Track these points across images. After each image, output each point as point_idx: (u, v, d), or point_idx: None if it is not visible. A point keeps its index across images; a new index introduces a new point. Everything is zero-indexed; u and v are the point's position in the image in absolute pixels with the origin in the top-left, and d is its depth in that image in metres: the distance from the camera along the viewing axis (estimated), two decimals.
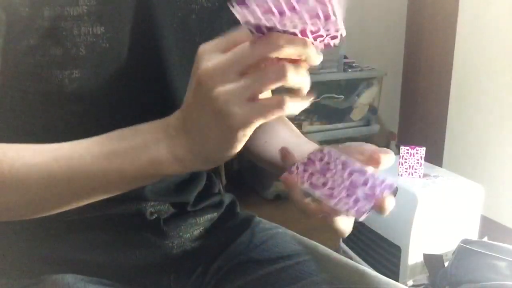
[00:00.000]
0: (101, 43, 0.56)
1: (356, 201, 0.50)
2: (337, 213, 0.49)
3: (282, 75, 0.40)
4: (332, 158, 0.54)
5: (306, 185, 0.51)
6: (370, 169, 0.53)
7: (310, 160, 0.55)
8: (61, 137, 0.57)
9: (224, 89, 0.40)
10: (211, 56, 0.41)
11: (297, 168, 0.54)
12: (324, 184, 0.51)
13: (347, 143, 0.58)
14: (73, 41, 0.54)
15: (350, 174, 0.52)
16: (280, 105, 0.40)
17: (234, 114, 0.40)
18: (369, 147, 0.56)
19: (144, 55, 0.59)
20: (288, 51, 0.40)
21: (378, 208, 0.49)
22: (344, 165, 0.53)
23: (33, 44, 0.52)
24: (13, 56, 0.53)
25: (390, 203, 0.50)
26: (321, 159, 0.55)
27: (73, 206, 0.51)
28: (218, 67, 0.40)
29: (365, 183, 0.51)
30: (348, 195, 0.50)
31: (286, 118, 0.79)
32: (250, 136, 0.69)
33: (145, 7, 0.58)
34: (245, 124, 0.40)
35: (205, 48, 0.43)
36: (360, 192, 0.50)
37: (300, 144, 0.66)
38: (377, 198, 0.50)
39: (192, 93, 0.43)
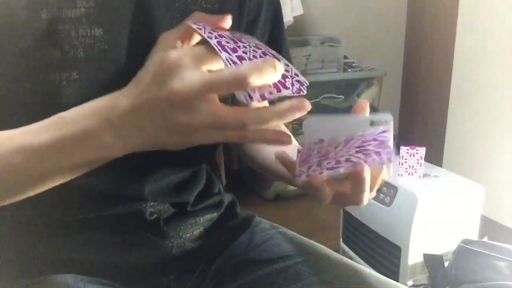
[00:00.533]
0: (99, 45, 0.56)
1: (378, 153, 0.51)
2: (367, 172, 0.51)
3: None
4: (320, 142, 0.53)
5: (326, 173, 0.51)
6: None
7: (309, 149, 0.53)
8: None
9: (192, 119, 0.42)
10: (185, 72, 0.42)
11: (301, 166, 0.52)
12: (338, 162, 0.51)
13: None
14: (71, 43, 0.54)
15: (348, 141, 0.51)
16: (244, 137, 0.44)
17: (196, 137, 0.44)
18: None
19: (143, 57, 0.59)
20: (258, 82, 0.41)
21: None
22: (336, 138, 0.52)
23: (30, 46, 0.52)
24: (11, 59, 0.53)
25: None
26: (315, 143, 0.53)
27: (39, 190, 0.51)
28: (191, 94, 0.41)
29: (364, 141, 0.51)
30: (365, 155, 0.51)
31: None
32: (241, 146, 0.69)
33: (144, 9, 0.58)
34: (206, 141, 0.45)
35: (174, 57, 0.44)
36: (371, 147, 0.51)
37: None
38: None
39: (155, 103, 0.43)
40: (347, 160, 0.51)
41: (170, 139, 0.45)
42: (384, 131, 0.51)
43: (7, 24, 0.52)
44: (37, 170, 0.49)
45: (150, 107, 0.43)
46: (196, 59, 0.43)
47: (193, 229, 0.70)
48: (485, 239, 1.64)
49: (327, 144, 0.52)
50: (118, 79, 0.58)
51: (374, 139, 0.51)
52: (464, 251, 1.42)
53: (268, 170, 0.74)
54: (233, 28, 0.68)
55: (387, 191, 1.64)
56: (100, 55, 0.56)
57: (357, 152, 0.51)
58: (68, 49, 0.54)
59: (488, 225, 1.89)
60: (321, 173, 0.51)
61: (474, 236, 1.65)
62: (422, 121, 2.65)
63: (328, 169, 0.51)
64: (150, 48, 0.59)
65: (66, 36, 0.54)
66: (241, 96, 0.43)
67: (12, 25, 0.52)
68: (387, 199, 1.63)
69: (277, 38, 0.75)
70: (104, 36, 0.56)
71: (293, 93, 0.47)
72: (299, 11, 2.25)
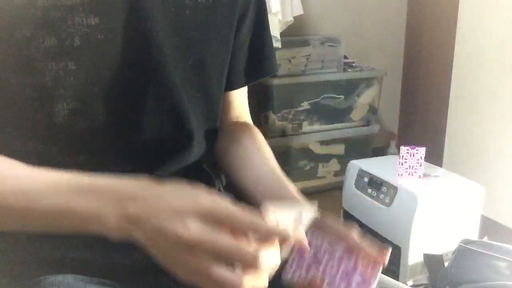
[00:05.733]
0: (96, 34, 0.56)
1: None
2: None
3: None
4: (318, 246, 0.56)
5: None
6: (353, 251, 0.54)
7: (299, 255, 0.56)
8: (56, 133, 0.57)
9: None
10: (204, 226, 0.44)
11: (291, 266, 0.56)
12: (322, 281, 0.54)
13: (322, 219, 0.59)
14: (67, 31, 0.54)
15: (339, 260, 0.54)
16: None
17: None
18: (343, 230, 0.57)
19: (137, 49, 0.59)
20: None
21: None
22: (330, 252, 0.55)
23: (27, 35, 0.52)
24: (7, 48, 0.53)
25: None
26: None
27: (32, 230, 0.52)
28: (207, 245, 0.43)
29: (355, 268, 0.53)
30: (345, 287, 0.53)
31: (261, 140, 0.77)
32: (223, 160, 0.74)
33: (139, 0, 0.58)
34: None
35: (204, 206, 0.45)
36: (354, 281, 0.53)
37: (275, 188, 0.67)
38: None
39: (169, 235, 0.45)
40: (329, 284, 0.53)
41: (160, 259, 0.49)
42: (379, 267, 0.53)
43: (3, 12, 0.52)
44: (33, 218, 0.49)
45: (157, 234, 0.46)
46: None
47: None
48: (485, 239, 1.64)
49: (325, 250, 0.55)
50: (115, 70, 0.58)
51: (363, 271, 0.53)
52: (464, 251, 1.42)
53: (245, 194, 0.74)
54: (227, 23, 0.68)
55: (387, 191, 1.64)
56: (96, 45, 0.56)
57: (341, 279, 0.53)
58: (64, 38, 0.54)
59: (488, 225, 1.89)
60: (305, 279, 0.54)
61: (474, 236, 1.66)
62: (422, 121, 2.65)
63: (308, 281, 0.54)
64: (145, 40, 0.60)
65: (61, 24, 0.54)
66: None
67: (8, 13, 0.52)
68: (387, 199, 1.63)
69: (260, 37, 0.76)
70: (100, 25, 0.56)
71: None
72: (299, 11, 2.25)
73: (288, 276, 0.56)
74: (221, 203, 0.45)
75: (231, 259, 0.43)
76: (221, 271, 0.43)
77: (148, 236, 0.46)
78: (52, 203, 0.48)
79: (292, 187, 0.65)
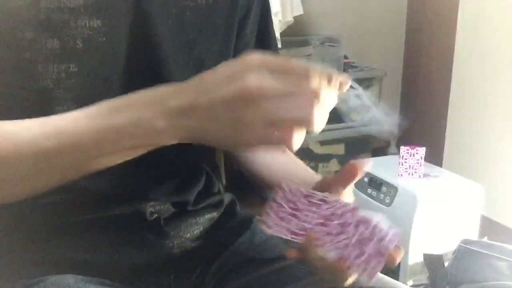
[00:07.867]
0: (98, 37, 0.56)
1: (368, 260, 0.48)
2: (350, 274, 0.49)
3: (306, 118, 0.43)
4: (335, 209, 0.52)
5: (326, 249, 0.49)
6: (374, 217, 0.50)
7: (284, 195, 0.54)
8: None
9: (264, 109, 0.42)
10: (263, 74, 0.42)
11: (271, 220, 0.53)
12: (338, 244, 0.49)
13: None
14: (70, 33, 0.54)
15: (356, 226, 0.50)
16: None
17: (248, 135, 0.43)
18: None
19: (140, 51, 0.59)
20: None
21: (389, 263, 0.50)
22: (348, 216, 0.51)
23: (29, 37, 0.52)
24: (8, 50, 0.53)
25: (399, 257, 0.51)
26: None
27: (65, 180, 0.50)
28: (270, 91, 0.42)
29: (371, 237, 0.49)
30: (358, 255, 0.48)
31: None
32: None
33: (141, 3, 0.58)
34: (254, 143, 0.44)
35: (254, 61, 0.43)
36: (369, 249, 0.48)
37: (298, 172, 0.68)
38: (388, 254, 0.48)
39: (230, 96, 0.42)
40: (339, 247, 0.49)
41: (221, 135, 0.45)
42: (396, 235, 0.50)
43: (5, 13, 0.52)
44: (75, 156, 0.47)
45: (213, 106, 0.43)
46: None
47: (194, 228, 0.70)
48: (485, 239, 1.64)
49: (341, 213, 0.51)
50: (117, 73, 0.58)
51: (380, 238, 0.49)
52: (464, 251, 1.42)
53: (265, 184, 0.75)
54: (226, 24, 0.68)
55: (387, 191, 1.64)
56: (98, 47, 0.56)
57: (354, 245, 0.49)
58: (66, 40, 0.54)
59: (488, 225, 1.90)
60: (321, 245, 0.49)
61: (474, 236, 1.66)
62: (422, 121, 2.65)
63: (292, 232, 0.51)
64: (147, 42, 0.60)
65: (64, 26, 0.54)
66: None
67: (10, 14, 0.52)
68: (387, 199, 1.63)
69: (265, 36, 0.76)
70: (102, 27, 0.56)
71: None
72: (299, 11, 2.25)
73: (270, 229, 0.52)
74: (269, 57, 0.44)
75: (295, 102, 0.43)
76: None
77: (200, 117, 0.44)
78: (91, 128, 0.46)
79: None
